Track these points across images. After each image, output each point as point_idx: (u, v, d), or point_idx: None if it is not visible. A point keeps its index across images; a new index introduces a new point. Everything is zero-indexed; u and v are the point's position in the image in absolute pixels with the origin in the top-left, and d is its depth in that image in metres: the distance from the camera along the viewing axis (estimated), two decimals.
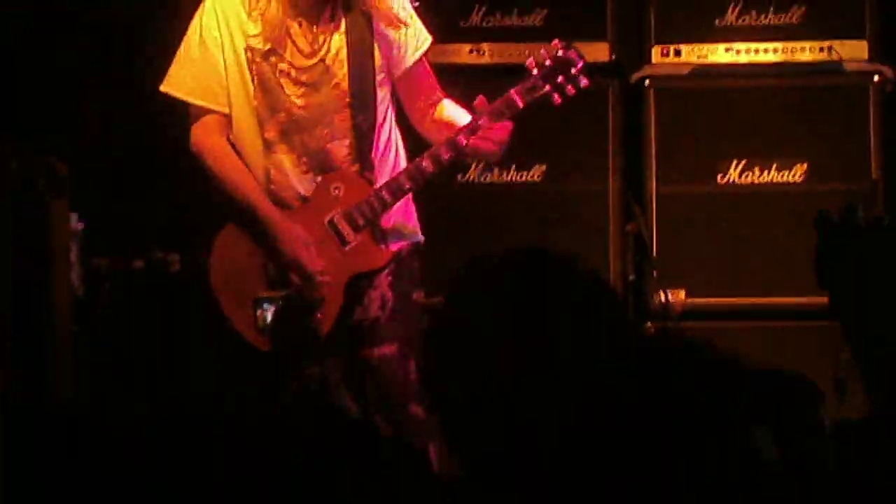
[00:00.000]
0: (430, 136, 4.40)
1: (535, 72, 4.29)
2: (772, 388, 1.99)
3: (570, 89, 4.31)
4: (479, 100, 4.26)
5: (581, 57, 4.31)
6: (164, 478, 2.07)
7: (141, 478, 2.08)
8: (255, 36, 4.30)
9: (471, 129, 4.25)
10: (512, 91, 4.27)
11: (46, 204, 4.94)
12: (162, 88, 4.40)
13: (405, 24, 4.38)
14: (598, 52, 5.57)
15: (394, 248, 4.42)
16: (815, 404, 2.01)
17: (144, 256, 5.60)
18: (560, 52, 4.30)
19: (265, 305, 4.31)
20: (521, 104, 4.27)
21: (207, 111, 4.36)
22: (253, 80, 4.32)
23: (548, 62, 4.30)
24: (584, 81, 4.32)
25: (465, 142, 4.24)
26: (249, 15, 4.29)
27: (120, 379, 5.23)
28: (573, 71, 4.30)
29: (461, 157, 4.29)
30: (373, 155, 4.35)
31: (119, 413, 2.11)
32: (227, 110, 4.36)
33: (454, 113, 4.38)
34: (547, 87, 4.29)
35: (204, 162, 4.38)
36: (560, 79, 4.30)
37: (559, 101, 4.32)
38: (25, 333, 4.80)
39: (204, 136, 4.37)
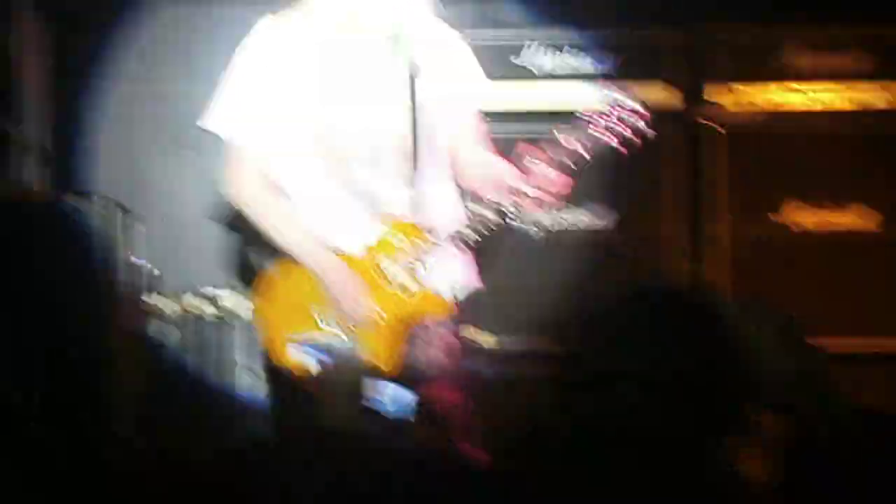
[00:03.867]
0: (477, 187, 4.34)
1: (594, 119, 4.22)
2: None
3: (632, 137, 4.21)
4: (533, 149, 4.18)
5: (642, 103, 4.22)
6: None
7: None
8: (321, 83, 4.28)
9: (533, 178, 4.17)
10: (573, 139, 4.19)
11: None
12: (202, 124, 4.33)
13: (462, 75, 4.37)
14: (659, 94, 5.52)
15: (455, 295, 4.38)
16: None
17: None
18: (619, 99, 4.20)
19: (303, 348, 4.25)
20: (584, 153, 4.17)
21: (248, 152, 4.30)
22: (318, 126, 4.29)
23: (608, 109, 4.23)
24: (643, 126, 4.19)
25: (526, 191, 4.18)
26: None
27: None
28: (634, 118, 4.22)
29: (521, 206, 4.21)
30: (432, 203, 4.32)
31: None
32: (268, 150, 4.32)
33: (503, 165, 4.31)
34: (609, 136, 4.21)
35: (245, 209, 4.32)
36: (621, 127, 4.20)
37: (622, 148, 4.21)
38: None
39: (244, 184, 4.31)
